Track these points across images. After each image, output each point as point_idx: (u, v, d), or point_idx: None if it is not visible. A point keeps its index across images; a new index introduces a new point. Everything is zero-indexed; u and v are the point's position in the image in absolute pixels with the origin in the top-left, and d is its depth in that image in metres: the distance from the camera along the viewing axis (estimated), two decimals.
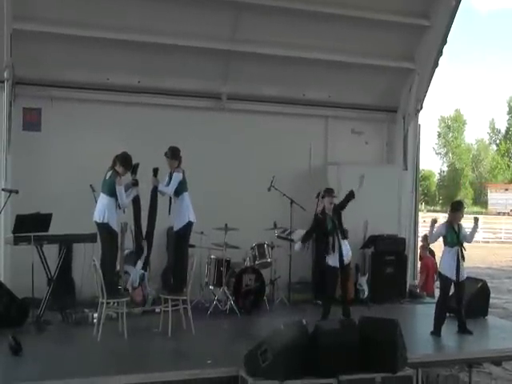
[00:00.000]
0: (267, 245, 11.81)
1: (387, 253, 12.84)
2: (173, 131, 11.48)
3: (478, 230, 10.36)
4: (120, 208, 9.69)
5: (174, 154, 10.05)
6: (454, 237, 9.93)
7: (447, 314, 10.19)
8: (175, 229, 10.14)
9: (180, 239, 10.15)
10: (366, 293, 12.36)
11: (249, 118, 12.81)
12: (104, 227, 9.66)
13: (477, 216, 10.38)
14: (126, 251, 10.46)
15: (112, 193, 9.61)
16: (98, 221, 9.67)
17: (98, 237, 9.94)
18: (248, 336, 9.05)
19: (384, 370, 7.67)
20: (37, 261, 9.79)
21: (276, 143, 12.90)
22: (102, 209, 9.66)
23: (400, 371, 7.77)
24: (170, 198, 10.10)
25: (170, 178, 10.04)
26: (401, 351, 7.88)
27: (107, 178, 9.73)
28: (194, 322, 9.53)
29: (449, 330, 10.00)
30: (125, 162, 9.75)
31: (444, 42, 13.00)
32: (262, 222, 11.71)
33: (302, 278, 12.83)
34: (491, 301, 12.06)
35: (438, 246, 10.88)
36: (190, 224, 10.07)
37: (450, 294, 10.23)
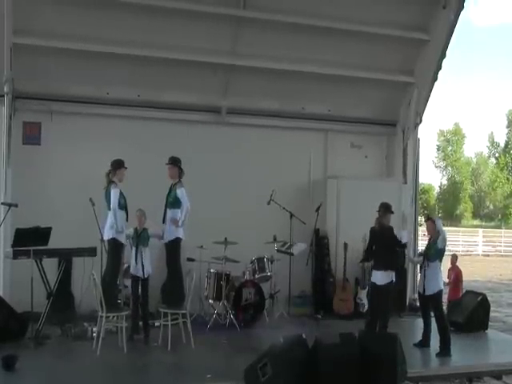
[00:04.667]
0: (267, 258, 11.78)
1: None
2: (172, 145, 11.49)
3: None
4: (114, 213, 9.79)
5: (174, 162, 10.31)
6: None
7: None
8: (164, 240, 10.30)
9: (170, 254, 10.29)
10: (366, 306, 12.32)
11: (248, 131, 12.86)
12: (111, 242, 9.85)
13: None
14: (125, 265, 10.47)
15: (115, 207, 9.73)
16: (105, 239, 9.87)
17: (104, 251, 10.07)
18: (248, 350, 9.01)
19: None
20: (36, 275, 9.77)
21: (276, 157, 12.94)
22: (107, 226, 9.84)
23: None
24: (166, 208, 10.23)
25: (170, 190, 10.26)
26: (401, 365, 7.86)
27: (106, 193, 9.84)
28: (193, 336, 9.53)
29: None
30: (117, 164, 9.93)
31: (443, 56, 13.06)
32: (261, 235, 11.70)
33: (302, 292, 12.82)
34: (491, 314, 12.02)
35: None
36: (178, 240, 10.21)
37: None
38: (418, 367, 8.73)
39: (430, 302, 9.95)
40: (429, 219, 10.43)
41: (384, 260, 9.76)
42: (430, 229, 10.11)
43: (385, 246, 9.83)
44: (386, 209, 9.96)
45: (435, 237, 9.90)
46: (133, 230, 9.86)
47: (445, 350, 9.56)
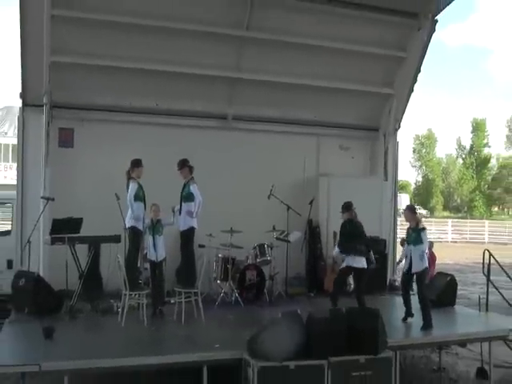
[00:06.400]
0: (267, 245, 11.80)
1: None
2: (185, 147, 11.49)
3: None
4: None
5: (182, 164, 10.31)
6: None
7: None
8: (180, 229, 10.30)
9: (185, 241, 10.29)
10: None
11: (251, 135, 12.84)
12: (130, 230, 9.84)
13: None
14: (145, 250, 10.48)
15: (130, 199, 9.74)
16: (126, 227, 9.85)
17: (127, 238, 10.05)
18: (250, 324, 9.01)
19: (367, 352, 7.65)
20: (70, 258, 9.91)
21: (275, 157, 12.92)
22: (127, 217, 9.84)
23: (381, 353, 7.76)
24: (181, 202, 10.22)
25: (184, 186, 10.26)
26: (382, 336, 7.86)
27: (126, 187, 9.85)
28: (203, 312, 9.56)
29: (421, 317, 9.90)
30: (135, 163, 9.91)
31: (418, 70, 13.06)
32: (262, 225, 11.68)
33: (297, 274, 12.84)
34: (458, 292, 12.01)
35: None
36: (192, 229, 10.21)
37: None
38: (396, 338, 8.71)
39: (412, 280, 9.77)
40: (407, 208, 10.19)
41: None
42: (408, 217, 9.93)
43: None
44: (345, 208, 10.08)
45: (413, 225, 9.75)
46: (149, 221, 9.89)
47: (427, 323, 9.43)
